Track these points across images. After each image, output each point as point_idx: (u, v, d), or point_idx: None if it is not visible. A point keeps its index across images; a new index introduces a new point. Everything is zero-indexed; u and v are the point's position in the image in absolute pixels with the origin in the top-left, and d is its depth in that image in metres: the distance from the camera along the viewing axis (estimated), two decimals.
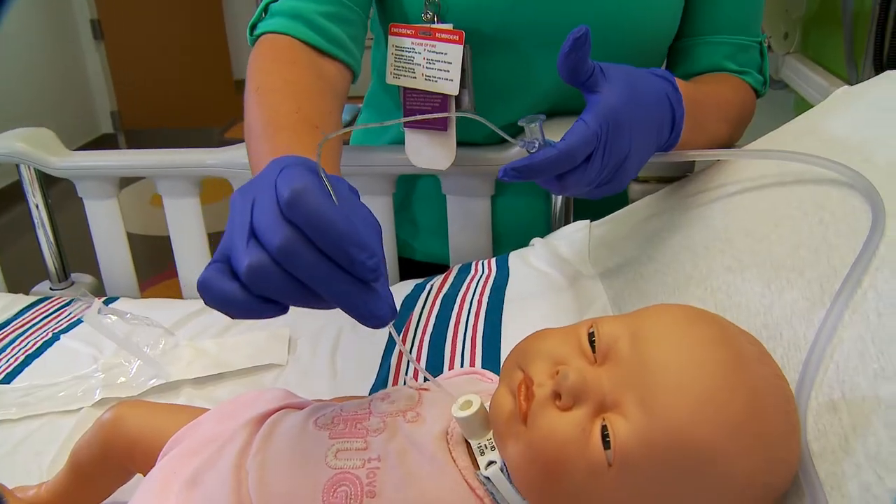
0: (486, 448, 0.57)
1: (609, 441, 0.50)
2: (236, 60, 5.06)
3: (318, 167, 0.55)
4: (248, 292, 0.51)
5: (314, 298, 0.53)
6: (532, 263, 0.99)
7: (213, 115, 4.91)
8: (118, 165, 1.19)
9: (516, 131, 1.09)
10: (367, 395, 0.76)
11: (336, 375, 0.91)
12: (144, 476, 0.70)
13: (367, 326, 0.54)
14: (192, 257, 1.24)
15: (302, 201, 0.50)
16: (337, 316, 1.01)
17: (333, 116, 0.83)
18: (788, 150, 0.81)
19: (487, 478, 0.56)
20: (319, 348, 0.96)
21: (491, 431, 0.57)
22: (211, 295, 0.52)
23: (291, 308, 1.08)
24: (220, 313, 0.99)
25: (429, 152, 1.00)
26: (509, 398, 0.55)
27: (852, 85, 1.16)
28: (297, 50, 0.89)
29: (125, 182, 1.24)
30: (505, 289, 0.94)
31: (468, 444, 0.58)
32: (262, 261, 0.50)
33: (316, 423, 0.63)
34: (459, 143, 1.02)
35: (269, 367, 0.95)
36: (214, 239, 1.26)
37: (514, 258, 1.01)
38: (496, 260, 1.02)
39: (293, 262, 0.50)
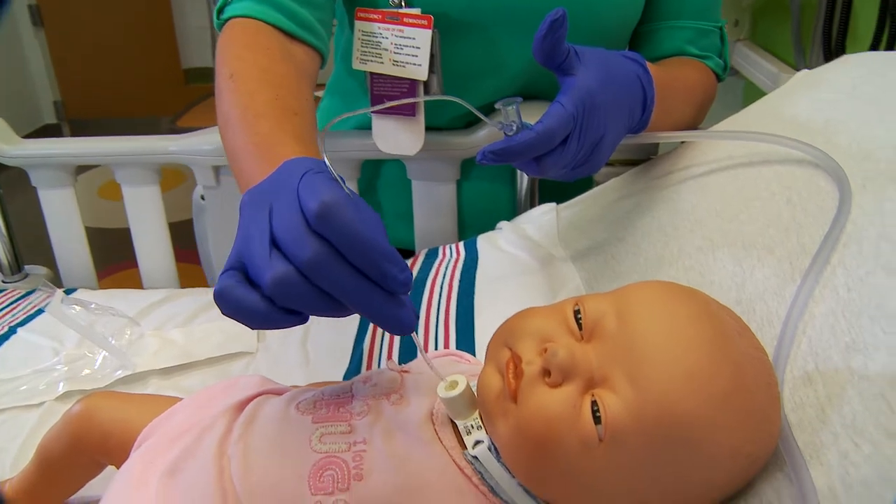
0: (473, 428, 0.57)
1: (599, 416, 0.51)
2: (184, 49, 4.96)
3: (335, 174, 0.55)
4: (269, 303, 0.51)
5: (338, 308, 0.53)
6: (501, 246, 0.99)
7: (162, 105, 4.81)
8: (75, 153, 1.15)
9: (487, 114, 1.10)
10: (341, 381, 0.76)
11: (308, 362, 0.90)
12: (118, 468, 0.69)
13: (392, 333, 0.54)
14: (152, 247, 1.22)
15: (333, 215, 0.50)
16: None
17: (310, 103, 0.82)
18: (758, 132, 0.82)
19: (475, 457, 0.56)
20: (290, 336, 0.95)
21: (477, 411, 0.58)
22: (230, 305, 0.52)
23: None
24: (183, 302, 0.98)
25: (397, 138, 0.99)
26: (497, 377, 0.55)
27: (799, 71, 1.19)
28: (268, 35, 0.87)
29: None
30: (475, 272, 0.94)
31: (454, 425, 0.58)
32: (287, 274, 0.50)
33: (297, 407, 0.62)
34: (425, 128, 1.02)
35: (239, 356, 0.93)
36: (173, 229, 1.24)
37: (483, 241, 1.01)
38: (464, 244, 1.02)
39: (321, 275, 0.50)
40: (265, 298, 0.52)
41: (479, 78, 1.02)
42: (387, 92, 0.98)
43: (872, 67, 0.90)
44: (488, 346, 0.59)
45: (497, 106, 0.71)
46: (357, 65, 0.98)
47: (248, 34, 0.87)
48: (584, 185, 1.13)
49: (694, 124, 0.99)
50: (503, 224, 1.06)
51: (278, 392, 0.68)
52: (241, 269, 0.54)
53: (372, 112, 1.00)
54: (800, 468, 0.53)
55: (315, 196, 0.51)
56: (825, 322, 0.62)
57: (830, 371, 0.58)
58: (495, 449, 0.56)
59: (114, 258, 1.27)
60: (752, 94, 1.79)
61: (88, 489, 0.76)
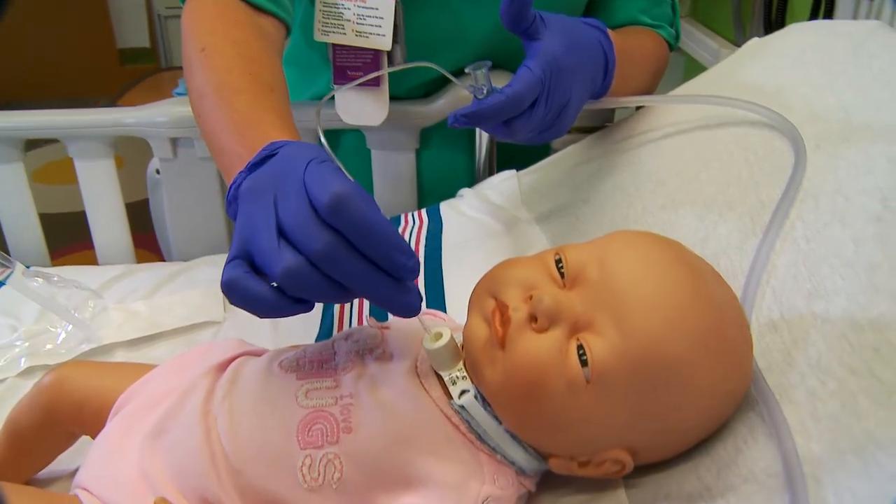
0: (458, 378, 0.58)
1: (585, 359, 0.52)
2: (119, 29, 4.82)
3: (338, 162, 0.55)
4: (279, 293, 0.52)
5: (345, 295, 0.54)
6: (464, 212, 1.00)
7: (98, 86, 4.66)
8: (25, 126, 1.12)
9: (445, 83, 1.10)
10: None
11: (277, 328, 0.90)
12: (93, 438, 0.68)
13: (398, 316, 0.55)
14: (108, 223, 1.19)
15: (345, 208, 0.50)
16: None
17: (283, 77, 0.82)
18: (718, 96, 0.85)
19: (462, 406, 0.57)
20: None
21: (461, 362, 0.59)
22: (239, 295, 0.52)
23: (222, 262, 1.06)
24: (142, 277, 0.96)
25: (361, 109, 0.99)
26: (484, 325, 0.56)
27: (738, 46, 1.23)
28: (235, 8, 0.86)
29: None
30: (440, 237, 0.95)
31: (438, 377, 0.59)
32: (299, 265, 0.50)
33: (280, 365, 0.62)
34: None
35: (206, 325, 0.93)
36: (129, 208, 1.21)
37: (446, 208, 1.02)
38: (426, 210, 1.03)
39: (332, 265, 0.51)
40: (274, 288, 0.52)
41: (441, 48, 1.02)
42: (350, 63, 0.98)
43: (818, 35, 0.93)
44: (471, 297, 0.60)
45: (467, 70, 0.72)
46: (319, 36, 0.97)
47: (217, 6, 0.85)
48: (542, 152, 1.14)
49: (648, 92, 1.02)
50: (464, 191, 1.06)
51: (257, 353, 0.68)
52: (246, 257, 0.54)
53: (334, 83, 1.00)
54: (772, 406, 0.55)
55: (325, 187, 0.51)
56: (787, 272, 0.65)
57: (794, 317, 0.61)
58: (481, 397, 0.57)
59: (52, 244, 1.24)
60: (694, 69, 1.83)
61: (58, 464, 0.75)
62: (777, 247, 0.67)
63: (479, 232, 0.94)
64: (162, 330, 0.92)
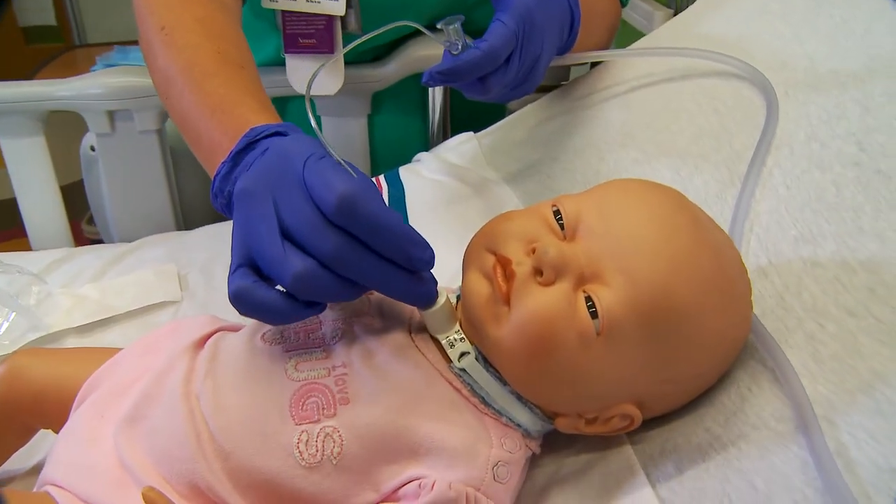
0: (456, 340, 0.56)
1: (595, 311, 0.51)
2: (20, 6, 4.59)
3: (337, 156, 0.53)
4: (290, 299, 0.50)
5: (359, 292, 0.52)
6: (427, 175, 0.97)
7: (3, 68, 4.45)
8: None
9: (396, 47, 1.07)
10: None
11: None
12: (55, 431, 0.63)
13: (413, 306, 0.55)
14: (41, 204, 1.12)
15: (354, 208, 0.48)
16: (228, 243, 0.96)
17: (249, 51, 0.78)
18: (686, 48, 0.84)
19: (463, 369, 0.55)
20: (216, 279, 0.90)
21: (457, 324, 0.56)
22: (250, 306, 0.51)
23: (170, 240, 1.01)
24: (86, 259, 0.91)
25: (314, 78, 0.95)
26: (484, 282, 0.54)
27: (672, 9, 1.24)
28: None
29: None
30: (404, 202, 0.93)
31: (435, 341, 0.57)
32: (309, 269, 0.49)
33: (263, 338, 0.59)
34: None
35: (163, 306, 0.88)
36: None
37: (406, 172, 1.00)
38: (385, 176, 1.00)
39: (345, 266, 0.50)
40: (286, 295, 0.51)
41: (395, 12, 0.99)
42: (301, 30, 0.93)
43: None
44: (467, 254, 0.58)
45: (439, 25, 0.69)
46: (267, 3, 0.93)
47: None
48: (497, 113, 1.12)
49: (606, 48, 1.00)
50: (422, 155, 1.04)
51: (234, 328, 0.64)
52: (250, 265, 0.52)
53: (285, 52, 0.95)
54: (774, 350, 0.55)
55: (331, 188, 0.49)
56: (770, 219, 0.65)
57: (783, 263, 0.61)
58: (482, 358, 0.55)
59: None
60: (628, 33, 1.84)
61: (14, 461, 0.69)
62: (757, 194, 0.67)
63: (445, 195, 0.92)
64: (115, 313, 0.87)
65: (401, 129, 1.14)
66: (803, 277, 0.59)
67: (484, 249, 0.55)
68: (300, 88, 0.96)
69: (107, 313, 0.87)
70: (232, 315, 0.70)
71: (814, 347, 0.54)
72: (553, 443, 0.60)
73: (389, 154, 1.14)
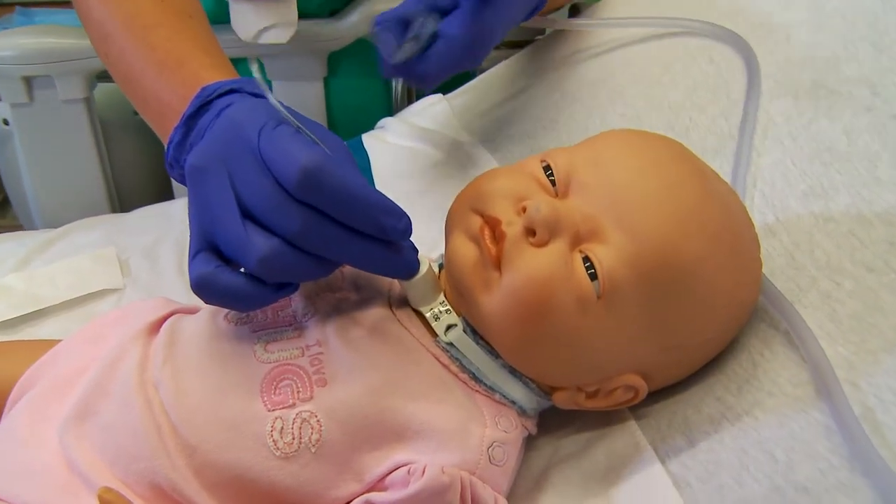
0: (441, 312, 0.56)
1: (594, 272, 0.51)
2: None
3: (294, 120, 0.52)
4: (258, 283, 0.50)
5: (332, 268, 0.53)
6: (393, 142, 0.97)
7: None
8: None
9: None
10: None
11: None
12: None
13: (393, 278, 0.56)
14: None
15: (318, 182, 0.48)
16: (173, 224, 0.94)
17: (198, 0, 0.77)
18: (667, 17, 0.86)
19: (450, 343, 0.55)
20: (161, 263, 0.89)
21: (441, 294, 0.57)
22: (215, 294, 0.51)
23: (105, 223, 0.99)
24: (7, 248, 0.90)
25: (261, 23, 0.93)
26: (471, 246, 0.54)
27: None
28: None
29: None
30: (370, 171, 0.92)
31: (418, 313, 0.57)
32: (275, 250, 0.49)
33: (227, 318, 0.58)
34: None
35: (103, 294, 0.86)
36: None
37: (369, 139, 0.99)
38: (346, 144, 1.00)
39: (314, 243, 0.49)
40: (253, 279, 0.50)
41: None
42: None
43: None
44: (450, 216, 0.58)
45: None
46: None
47: None
48: (467, 73, 1.12)
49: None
50: (386, 121, 1.03)
51: (191, 310, 0.64)
52: (211, 248, 0.52)
53: None
54: (788, 311, 0.56)
55: (291, 161, 0.48)
56: (776, 172, 0.66)
57: (792, 219, 0.62)
58: (471, 330, 0.56)
59: None
60: None
61: None
62: (759, 146, 0.68)
63: (415, 161, 0.92)
64: (46, 305, 0.85)
65: (361, 93, 1.14)
66: (815, 234, 0.60)
67: (469, 210, 0.55)
68: (247, 37, 0.95)
69: (36, 305, 0.85)
70: (185, 300, 0.70)
71: (830, 307, 0.55)
72: (548, 423, 0.61)
73: (349, 121, 1.13)
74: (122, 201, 1.17)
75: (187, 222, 0.92)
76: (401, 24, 0.70)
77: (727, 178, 0.67)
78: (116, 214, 1.09)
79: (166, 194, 1.16)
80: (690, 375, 0.59)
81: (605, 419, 0.60)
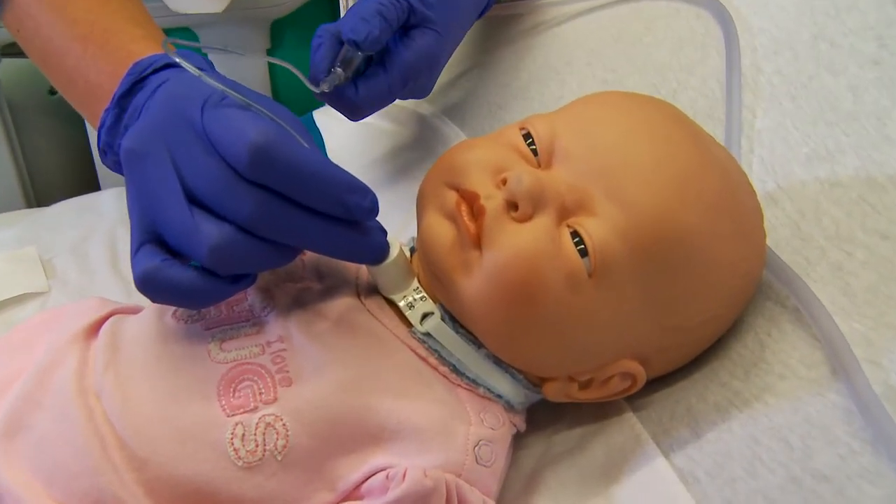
0: (416, 301, 0.56)
1: (584, 248, 0.52)
2: None
3: (236, 95, 0.52)
4: (210, 276, 0.50)
5: (292, 255, 0.53)
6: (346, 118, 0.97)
7: None
8: None
9: None
10: None
11: (130, 288, 0.82)
12: None
13: (362, 264, 0.56)
14: None
15: (270, 159, 0.48)
16: (101, 218, 0.93)
17: None
18: None
19: (427, 333, 0.55)
20: (90, 262, 0.87)
21: (415, 279, 0.57)
22: (163, 290, 0.51)
23: (22, 219, 0.98)
24: None
25: None
26: (446, 224, 0.54)
27: None
28: None
29: None
30: (325, 151, 0.92)
31: (390, 302, 0.57)
32: (226, 237, 0.49)
33: (176, 316, 0.58)
34: None
35: (24, 300, 0.85)
36: None
37: (322, 116, 0.99)
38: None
39: (270, 227, 0.49)
40: (204, 271, 0.50)
41: None
42: None
43: None
44: (421, 192, 0.58)
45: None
46: None
47: None
48: None
49: None
50: None
51: (133, 310, 0.63)
52: (155, 241, 0.52)
53: None
54: (796, 284, 0.57)
55: (238, 138, 0.48)
56: (775, 136, 0.67)
57: (796, 186, 0.63)
58: (450, 318, 0.56)
59: None
60: None
61: None
62: (756, 108, 0.69)
63: (375, 139, 0.92)
64: None
65: (306, 66, 1.13)
66: (821, 201, 0.60)
67: (443, 185, 0.55)
68: (177, 6, 0.94)
69: None
70: (123, 301, 0.69)
71: (843, 280, 0.56)
72: (537, 418, 0.61)
73: (298, 97, 1.12)
74: (39, 195, 1.15)
75: (116, 215, 0.93)
76: (339, 41, 0.71)
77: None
78: (34, 209, 1.07)
79: (90, 185, 1.14)
80: (691, 361, 0.60)
81: (600, 412, 0.61)
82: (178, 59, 0.54)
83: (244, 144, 0.48)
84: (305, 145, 0.51)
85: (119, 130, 0.60)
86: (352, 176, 0.51)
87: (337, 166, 0.51)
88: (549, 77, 0.86)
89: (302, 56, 1.11)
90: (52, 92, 1.20)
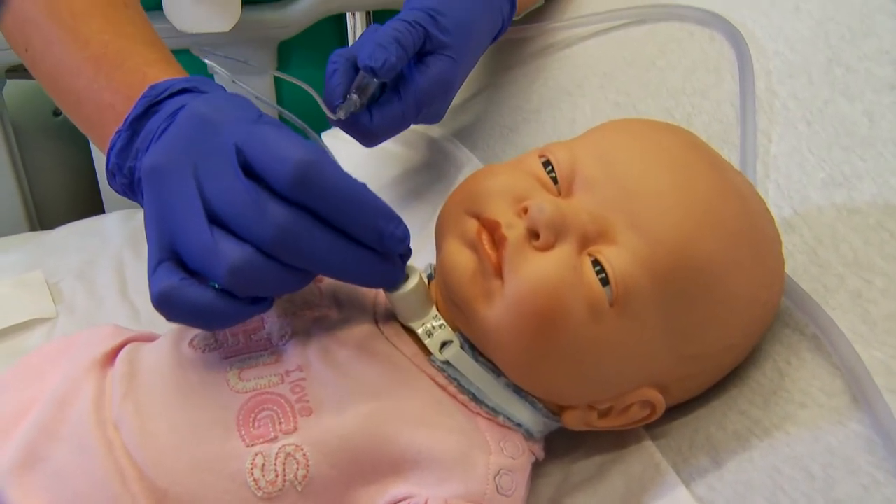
0: (435, 328, 0.57)
1: (605, 277, 0.53)
2: None
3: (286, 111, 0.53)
4: (228, 297, 0.51)
5: (310, 279, 0.54)
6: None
7: None
8: None
9: None
10: None
11: (139, 315, 0.85)
12: None
13: (376, 288, 0.57)
14: None
15: (316, 177, 0.49)
16: (107, 242, 0.94)
17: None
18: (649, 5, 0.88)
19: (447, 362, 0.56)
20: (98, 287, 0.88)
21: (433, 307, 0.58)
22: (180, 310, 0.51)
23: (26, 243, 0.99)
24: None
25: (199, 9, 0.93)
26: (467, 252, 0.55)
27: None
28: None
29: None
30: None
31: (408, 330, 0.58)
32: (247, 259, 0.50)
33: (193, 344, 0.59)
34: None
35: (31, 326, 0.86)
36: None
37: (329, 138, 1.00)
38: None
39: (294, 252, 0.50)
40: (222, 292, 0.51)
41: None
42: None
43: None
44: (441, 220, 0.59)
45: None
46: None
47: None
48: None
49: None
50: None
51: (148, 338, 0.64)
52: (174, 258, 0.53)
53: None
54: (815, 312, 0.57)
55: (285, 156, 0.49)
56: (791, 161, 0.68)
57: (812, 212, 0.64)
58: (469, 346, 0.57)
59: None
60: None
61: None
62: (771, 133, 0.70)
63: (386, 162, 0.93)
64: None
65: (317, 86, 1.14)
66: (839, 227, 0.61)
67: (463, 213, 0.57)
68: (183, 26, 0.95)
69: None
70: (133, 328, 0.69)
71: (862, 307, 0.57)
72: (555, 446, 0.62)
73: (304, 119, 1.13)
74: (42, 216, 1.16)
75: (122, 239, 0.94)
76: (354, 67, 0.73)
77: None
78: (37, 232, 1.08)
79: (93, 207, 1.15)
80: (709, 389, 0.60)
81: (618, 440, 0.62)
82: (210, 63, 0.54)
83: (290, 161, 0.49)
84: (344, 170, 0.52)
85: (131, 153, 0.61)
86: (386, 204, 0.52)
87: (374, 193, 0.52)
88: (562, 100, 0.87)
89: (309, 77, 1.13)
90: (57, 113, 1.21)
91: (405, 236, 0.52)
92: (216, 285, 0.52)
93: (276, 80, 1.11)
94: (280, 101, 1.13)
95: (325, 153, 0.51)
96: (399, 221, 0.52)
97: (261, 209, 0.50)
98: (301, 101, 1.14)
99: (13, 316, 0.86)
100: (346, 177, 0.51)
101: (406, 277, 0.56)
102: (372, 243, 0.52)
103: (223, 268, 0.50)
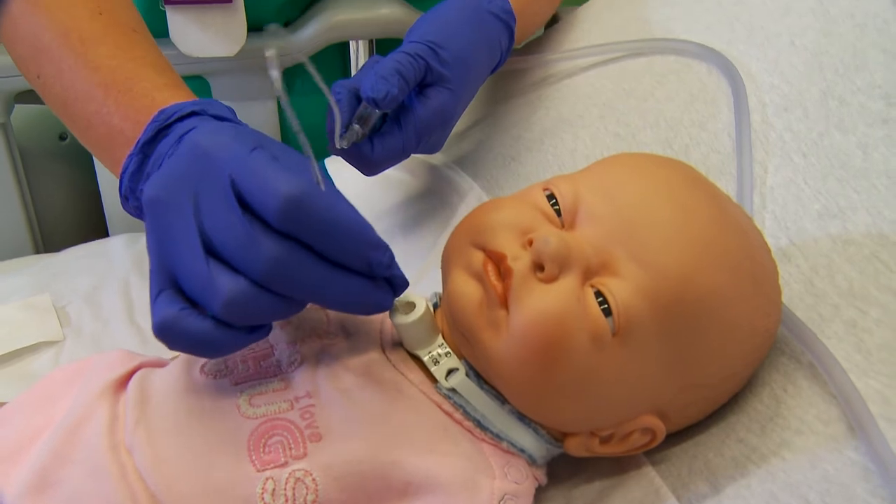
0: (441, 356, 0.58)
1: (608, 308, 0.54)
2: None
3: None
4: (226, 328, 0.52)
5: (304, 305, 0.55)
6: None
7: None
8: None
9: (311, 4, 1.06)
10: None
11: (146, 338, 0.85)
12: None
13: (364, 315, 0.59)
14: None
15: (304, 211, 0.50)
16: (113, 265, 0.95)
17: (135, 9, 0.78)
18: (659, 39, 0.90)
19: (452, 389, 0.58)
20: (105, 311, 0.89)
21: (439, 336, 0.59)
22: (179, 339, 0.52)
23: (32, 265, 0.99)
24: None
25: (205, 34, 0.94)
26: (473, 284, 0.56)
27: None
28: None
29: None
30: None
31: (414, 358, 0.59)
32: (241, 292, 0.51)
33: (203, 371, 0.60)
34: None
35: (38, 349, 0.86)
36: None
37: (334, 165, 1.01)
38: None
39: (286, 283, 0.52)
40: (221, 322, 0.52)
41: None
42: None
43: None
44: (447, 252, 0.60)
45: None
46: None
47: None
48: None
49: (551, 13, 1.05)
50: None
51: (158, 364, 0.65)
52: (174, 287, 0.54)
53: (164, 4, 0.94)
54: (811, 341, 0.59)
55: (274, 188, 0.50)
56: (787, 193, 0.69)
57: (808, 242, 0.65)
58: (475, 374, 0.58)
59: None
60: None
61: None
62: (768, 165, 0.72)
63: (385, 187, 0.94)
64: None
65: (320, 112, 1.15)
66: (834, 258, 0.63)
67: (469, 245, 0.58)
68: (187, 49, 0.96)
69: None
70: (140, 351, 0.70)
71: (857, 337, 0.58)
72: (557, 471, 0.63)
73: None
74: (47, 239, 1.16)
75: (128, 263, 0.95)
76: (356, 98, 0.75)
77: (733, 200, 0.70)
78: (43, 255, 1.09)
79: (98, 230, 1.16)
80: (708, 416, 0.62)
81: (619, 466, 0.63)
82: (273, 68, 0.56)
83: (278, 194, 0.50)
84: (339, 198, 0.54)
85: (142, 176, 0.62)
86: (373, 230, 0.54)
87: (365, 221, 0.53)
88: (563, 130, 0.89)
89: (313, 102, 1.14)
90: (63, 137, 1.22)
91: (391, 262, 0.54)
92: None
93: (280, 106, 1.11)
94: (284, 128, 1.14)
95: (314, 185, 0.51)
96: (385, 248, 0.53)
97: (254, 242, 0.51)
98: (307, 128, 1.15)
99: (20, 339, 0.87)
100: (334, 208, 0.52)
101: (413, 306, 0.58)
102: (361, 270, 0.53)
103: (219, 301, 0.51)
